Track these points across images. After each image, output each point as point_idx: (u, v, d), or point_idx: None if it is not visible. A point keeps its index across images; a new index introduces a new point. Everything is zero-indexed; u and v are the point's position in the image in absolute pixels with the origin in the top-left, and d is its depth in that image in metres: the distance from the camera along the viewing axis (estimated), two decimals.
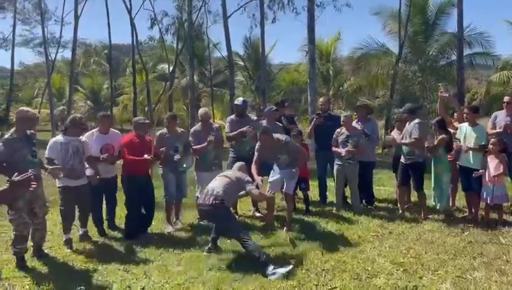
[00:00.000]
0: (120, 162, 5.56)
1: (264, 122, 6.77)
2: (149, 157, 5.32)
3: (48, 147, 4.96)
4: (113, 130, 5.74)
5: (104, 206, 5.75)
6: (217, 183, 4.68)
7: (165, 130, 5.91)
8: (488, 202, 5.66)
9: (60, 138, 5.09)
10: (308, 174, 6.62)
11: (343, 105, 23.87)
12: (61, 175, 4.76)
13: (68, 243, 5.04)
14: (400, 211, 6.30)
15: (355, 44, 24.01)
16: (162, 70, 30.03)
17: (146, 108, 26.52)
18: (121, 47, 40.84)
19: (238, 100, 6.76)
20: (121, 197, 5.65)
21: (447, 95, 6.54)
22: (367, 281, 3.93)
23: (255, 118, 6.91)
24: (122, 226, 5.68)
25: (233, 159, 6.37)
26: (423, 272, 4.10)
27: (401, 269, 4.17)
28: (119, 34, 42.66)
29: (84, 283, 3.95)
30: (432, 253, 4.63)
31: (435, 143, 5.95)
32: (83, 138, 5.27)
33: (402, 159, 6.28)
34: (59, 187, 5.09)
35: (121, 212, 5.77)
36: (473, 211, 5.99)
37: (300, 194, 6.78)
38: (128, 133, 5.86)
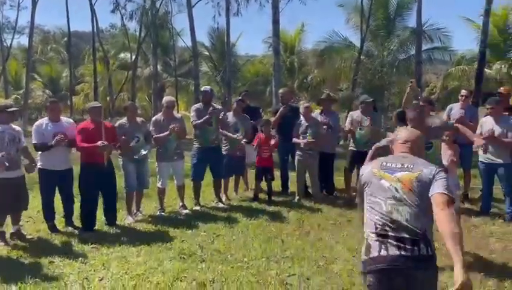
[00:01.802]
0: (74, 152, 5.36)
1: (230, 114, 6.78)
2: (101, 143, 4.99)
3: None
4: (64, 118, 5.44)
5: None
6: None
7: (124, 119, 5.79)
8: None
9: None
10: (272, 164, 6.74)
11: (308, 97, 24.15)
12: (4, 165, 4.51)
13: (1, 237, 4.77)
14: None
15: (320, 37, 24.34)
16: (125, 59, 29.28)
17: (108, 98, 25.85)
18: (81, 34, 39.52)
19: (205, 88, 6.75)
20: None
21: (419, 89, 6.87)
22: (325, 267, 4.04)
23: (220, 106, 6.88)
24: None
25: (197, 149, 6.33)
26: None
27: (358, 256, 4.30)
28: (79, 20, 41.05)
29: (38, 275, 3.84)
30: None
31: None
32: (17, 127, 4.96)
33: (356, 147, 6.55)
34: None
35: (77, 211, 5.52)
36: None
37: (263, 184, 6.86)
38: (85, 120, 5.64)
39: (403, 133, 2.56)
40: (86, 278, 3.84)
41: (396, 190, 2.21)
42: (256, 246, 4.62)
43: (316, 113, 7.03)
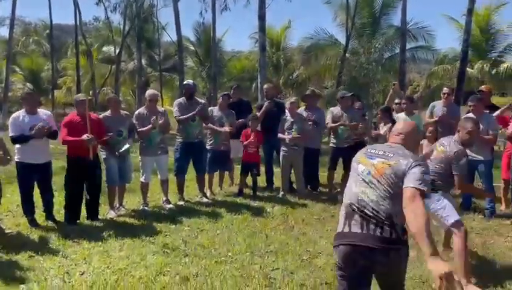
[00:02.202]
0: (53, 145, 5.24)
1: (215, 109, 6.75)
2: (87, 137, 4.91)
3: None
4: (41, 110, 5.29)
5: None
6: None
7: (108, 112, 5.70)
8: None
9: None
10: (259, 159, 6.75)
11: (293, 94, 24.20)
12: None
13: None
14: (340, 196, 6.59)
15: (306, 34, 24.39)
16: (108, 53, 28.85)
17: (91, 92, 25.45)
18: (64, 27, 38.75)
19: (188, 81, 6.73)
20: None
21: (401, 92, 7.03)
22: (308, 261, 4.06)
23: (203, 101, 6.85)
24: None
25: (180, 144, 6.29)
26: None
27: None
28: (61, 12, 40.25)
29: (17, 270, 3.76)
30: None
31: (382, 132, 6.24)
32: None
33: (336, 144, 6.64)
34: None
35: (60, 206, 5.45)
36: None
37: (249, 179, 6.85)
38: (71, 113, 5.52)
39: (399, 124, 2.66)
40: (67, 273, 3.78)
41: (369, 173, 2.33)
42: (240, 240, 4.61)
43: (301, 109, 7.05)
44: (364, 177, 2.34)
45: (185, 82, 6.75)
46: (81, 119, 5.09)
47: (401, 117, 6.34)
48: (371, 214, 2.24)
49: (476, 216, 5.56)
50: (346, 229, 2.28)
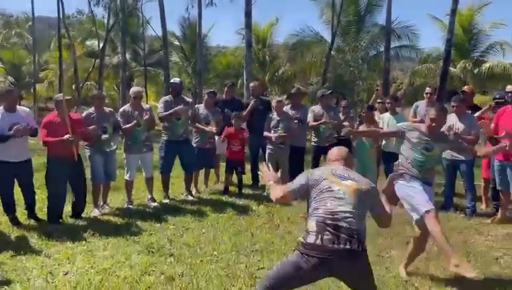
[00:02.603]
0: (34, 141, 5.14)
1: (201, 107, 6.72)
2: (68, 137, 4.83)
3: None
4: (20, 107, 5.20)
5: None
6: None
7: (92, 109, 5.63)
8: None
9: None
10: (243, 157, 6.74)
11: (279, 91, 24.23)
12: None
13: None
14: None
15: (292, 31, 24.42)
16: (92, 47, 28.39)
17: (74, 86, 25.04)
18: (46, 19, 37.93)
19: (175, 80, 6.68)
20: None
21: (384, 97, 7.33)
22: None
23: (190, 99, 6.81)
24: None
25: (165, 142, 6.25)
26: None
27: None
28: (44, 5, 39.23)
29: None
30: None
31: (367, 129, 6.30)
32: None
33: (318, 143, 6.72)
34: None
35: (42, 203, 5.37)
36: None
37: (234, 177, 6.85)
38: (51, 113, 5.44)
39: (335, 151, 3.02)
40: (50, 273, 3.73)
41: (344, 193, 2.58)
42: (226, 239, 4.62)
43: (287, 107, 7.07)
44: (340, 196, 2.57)
45: (172, 80, 6.69)
46: (61, 120, 5.00)
47: (385, 117, 6.42)
48: (343, 229, 2.45)
49: (457, 215, 5.67)
50: (319, 242, 2.44)
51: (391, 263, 4.04)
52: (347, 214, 2.50)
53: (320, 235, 2.46)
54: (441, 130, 3.96)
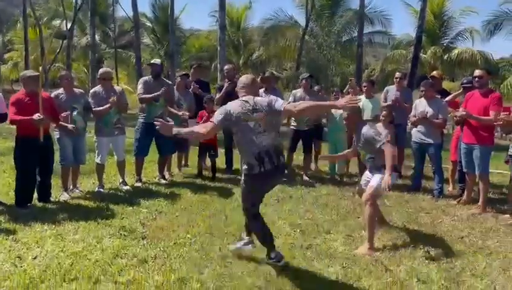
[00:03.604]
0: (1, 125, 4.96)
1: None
2: (37, 117, 4.63)
3: None
4: None
5: None
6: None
7: (61, 90, 5.45)
8: None
9: None
10: (216, 141, 6.68)
11: (254, 75, 24.12)
12: None
13: None
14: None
15: (267, 14, 24.27)
16: (59, 27, 27.39)
17: (40, 68, 24.16)
18: None
19: (156, 60, 6.49)
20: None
21: (358, 88, 7.46)
22: None
23: (170, 82, 6.69)
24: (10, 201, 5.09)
25: (142, 124, 6.13)
26: (317, 232, 4.41)
27: (298, 230, 4.44)
28: None
29: None
30: (326, 215, 4.99)
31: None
32: None
33: (297, 127, 6.77)
34: None
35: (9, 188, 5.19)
36: None
37: (208, 161, 6.82)
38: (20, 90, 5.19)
39: (241, 78, 3.57)
40: (18, 257, 3.63)
41: (259, 126, 3.29)
42: (200, 222, 4.61)
43: (261, 91, 7.03)
44: (258, 130, 3.28)
45: (152, 61, 6.50)
46: (29, 98, 4.80)
47: (362, 100, 6.49)
48: (273, 152, 3.32)
49: (425, 196, 5.85)
50: (262, 169, 3.29)
51: (361, 242, 4.13)
52: (268, 141, 3.31)
53: (262, 165, 3.31)
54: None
